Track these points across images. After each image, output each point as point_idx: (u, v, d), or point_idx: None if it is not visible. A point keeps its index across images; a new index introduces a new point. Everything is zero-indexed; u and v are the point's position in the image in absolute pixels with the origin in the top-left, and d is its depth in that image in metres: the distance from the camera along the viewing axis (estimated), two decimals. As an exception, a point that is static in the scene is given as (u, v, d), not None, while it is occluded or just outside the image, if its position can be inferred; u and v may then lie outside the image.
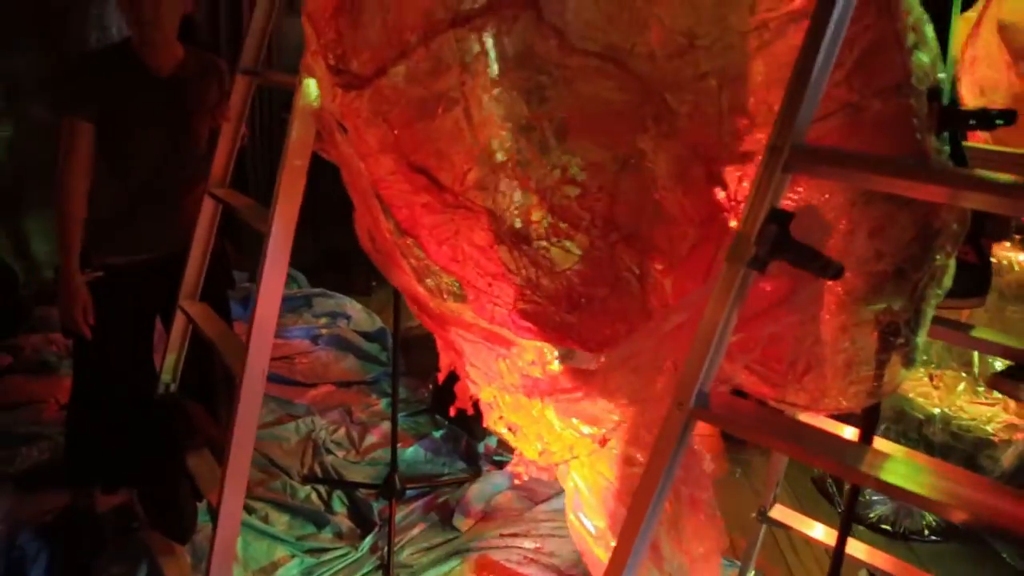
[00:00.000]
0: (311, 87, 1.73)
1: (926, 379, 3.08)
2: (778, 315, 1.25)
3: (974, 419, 2.93)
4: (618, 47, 1.09)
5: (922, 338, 1.32)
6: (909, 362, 1.35)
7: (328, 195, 1.66)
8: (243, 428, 1.86)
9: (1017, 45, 1.87)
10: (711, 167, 1.11)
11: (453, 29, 1.20)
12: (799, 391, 1.36)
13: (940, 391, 3.07)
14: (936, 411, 2.98)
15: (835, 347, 1.32)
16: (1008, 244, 2.84)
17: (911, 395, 3.04)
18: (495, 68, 1.19)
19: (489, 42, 1.18)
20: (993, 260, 2.88)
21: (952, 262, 1.27)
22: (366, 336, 3.98)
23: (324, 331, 4.00)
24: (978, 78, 2.02)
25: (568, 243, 1.25)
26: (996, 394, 2.96)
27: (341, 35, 1.43)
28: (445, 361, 1.81)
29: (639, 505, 1.12)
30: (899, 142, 1.10)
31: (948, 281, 1.28)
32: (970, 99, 2.06)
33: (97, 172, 2.29)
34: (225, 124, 2.21)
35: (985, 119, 1.17)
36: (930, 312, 1.31)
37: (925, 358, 3.09)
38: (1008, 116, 1.16)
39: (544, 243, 1.28)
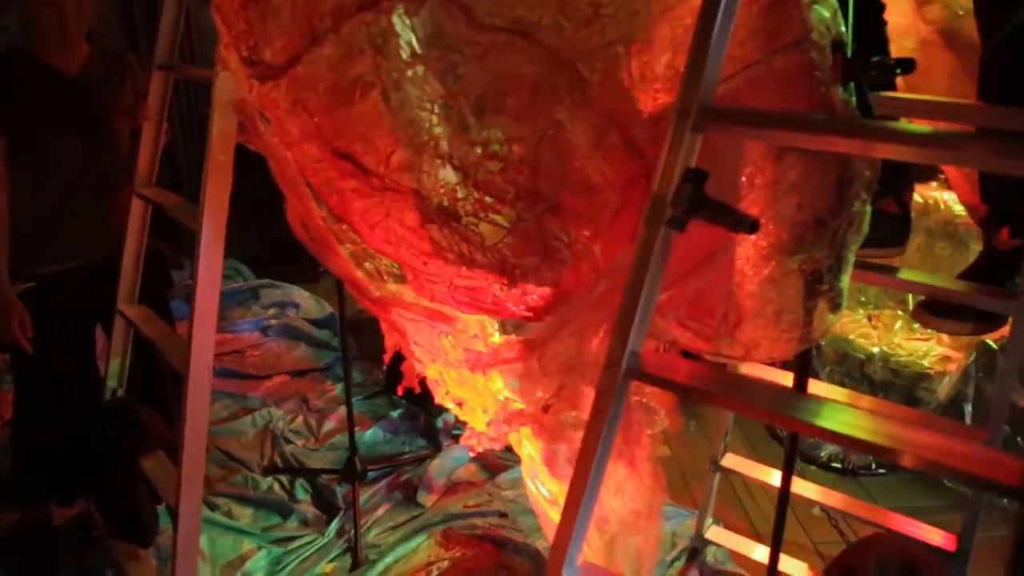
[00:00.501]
0: (228, 80, 1.71)
1: (865, 320, 3.19)
2: (703, 271, 1.29)
3: (911, 355, 3.05)
4: (526, 20, 1.10)
5: (845, 283, 1.37)
6: (835, 307, 1.40)
7: (270, 184, 1.65)
8: (194, 426, 1.85)
9: (920, -8, 1.92)
10: (627, 133, 1.13)
11: (361, 13, 1.19)
12: (732, 344, 1.40)
13: (878, 330, 3.18)
14: (875, 350, 3.09)
15: (763, 298, 1.37)
16: (934, 184, 2.94)
17: (851, 336, 3.15)
18: (407, 49, 1.19)
19: (399, 24, 1.17)
20: (920, 200, 2.98)
21: (868, 208, 1.32)
22: (316, 323, 3.96)
23: (273, 322, 3.97)
24: (888, 25, 2.07)
25: (496, 217, 1.27)
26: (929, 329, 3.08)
27: (252, 26, 1.41)
28: (390, 342, 1.82)
29: (582, 468, 1.15)
30: (806, 96, 1.13)
31: (866, 227, 1.33)
32: (883, 42, 2.10)
33: (15, 183, 2.23)
34: (146, 123, 2.16)
35: (885, 69, 1.21)
36: (851, 258, 1.36)
37: (864, 299, 3.19)
38: (906, 65, 1.20)
39: (472, 219, 1.29)
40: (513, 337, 1.48)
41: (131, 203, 2.23)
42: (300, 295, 4.25)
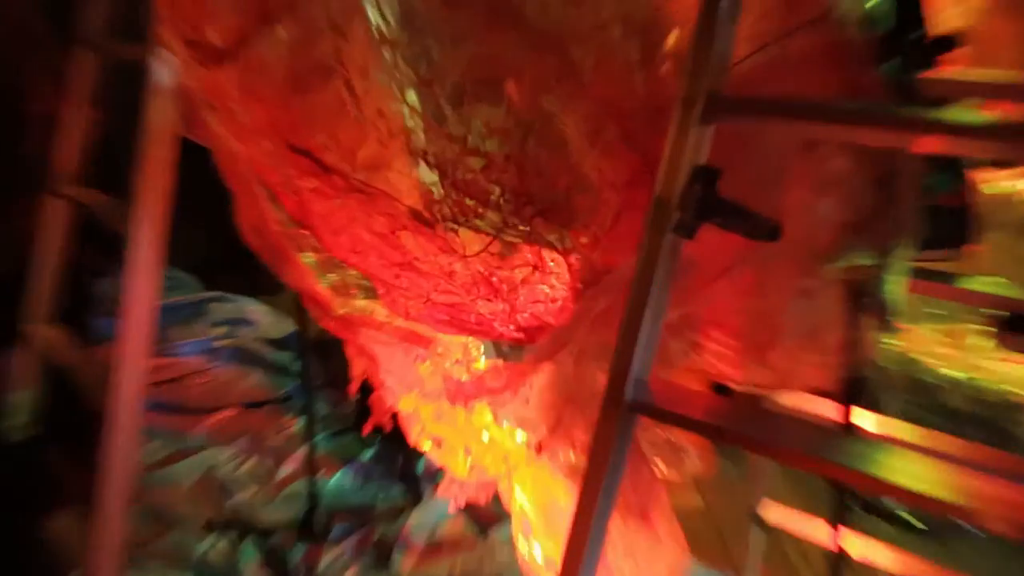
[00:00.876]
0: (167, 62, 1.80)
1: (941, 337, 3.25)
2: (723, 282, 1.37)
3: (999, 380, 3.09)
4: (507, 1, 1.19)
5: (897, 295, 1.46)
6: (885, 324, 1.48)
7: (219, 180, 1.75)
8: (116, 475, 1.91)
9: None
10: (626, 125, 1.22)
11: (320, -10, 1.29)
12: (763, 370, 1.48)
13: (958, 350, 3.24)
14: (955, 375, 3.15)
15: (798, 315, 1.44)
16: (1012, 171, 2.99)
17: (924, 358, 3.20)
18: (374, 31, 1.29)
19: (364, 1, 1.26)
20: (996, 191, 3.05)
21: (919, 205, 1.40)
22: (275, 344, 4.05)
23: (222, 343, 4.05)
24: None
25: (478, 222, 1.35)
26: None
27: (194, 2, 1.51)
28: (358, 370, 1.91)
29: (579, 524, 1.20)
30: (832, 80, 1.22)
31: (918, 227, 1.41)
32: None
33: None
34: (67, 109, 2.25)
35: (924, 48, 1.29)
36: (903, 264, 1.44)
37: (938, 312, 3.25)
38: (947, 44, 1.28)
39: (452, 224, 1.38)
40: (501, 363, 1.57)
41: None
42: (255, 310, 4.33)
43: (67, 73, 2.24)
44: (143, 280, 1.92)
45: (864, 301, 1.46)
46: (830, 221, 1.38)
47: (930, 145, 1.24)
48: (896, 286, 1.45)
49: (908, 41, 1.29)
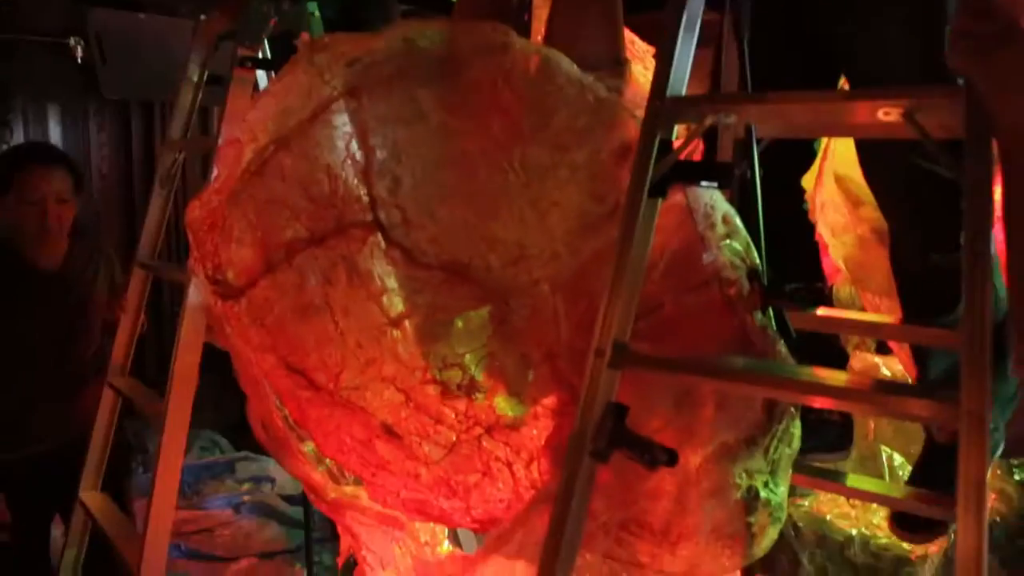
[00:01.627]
0: (199, 284, 1.81)
1: (843, 499, 3.17)
2: (640, 489, 1.33)
3: (889, 537, 3.00)
4: (459, 261, 1.20)
5: (783, 495, 1.41)
6: (775, 520, 1.43)
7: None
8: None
9: (853, 194, 2.07)
10: (555, 364, 1.20)
11: (311, 248, 1.30)
12: (674, 560, 1.41)
13: (857, 509, 3.16)
14: (854, 532, 3.05)
15: (704, 513, 1.39)
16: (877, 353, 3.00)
17: (829, 517, 3.12)
18: (352, 280, 1.29)
19: (343, 259, 1.27)
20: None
21: (797, 422, 1.38)
22: (290, 500, 3.91)
23: (247, 498, 3.92)
24: (829, 221, 2.21)
25: (437, 437, 1.32)
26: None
27: (216, 248, 1.52)
28: (344, 545, 1.82)
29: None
30: (722, 328, 1.22)
31: (797, 442, 1.39)
32: (827, 238, 2.24)
33: None
34: (123, 315, 2.26)
35: (800, 298, 1.30)
36: (786, 471, 1.40)
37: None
38: (819, 296, 1.30)
39: (416, 438, 1.34)
40: (458, 552, 1.49)
41: (101, 392, 2.29)
42: (277, 469, 4.21)
43: (126, 286, 2.26)
44: (168, 474, 1.87)
45: (755, 502, 1.41)
46: (725, 437, 1.35)
47: (790, 397, 1.24)
48: (782, 488, 1.41)
49: (787, 291, 1.31)
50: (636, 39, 2.38)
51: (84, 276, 2.45)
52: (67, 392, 2.44)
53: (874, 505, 3.14)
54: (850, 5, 1.41)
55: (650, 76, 2.25)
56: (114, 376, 2.30)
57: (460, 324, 1.23)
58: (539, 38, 1.74)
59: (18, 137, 4.33)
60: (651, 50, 2.35)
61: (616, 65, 1.46)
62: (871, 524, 3.06)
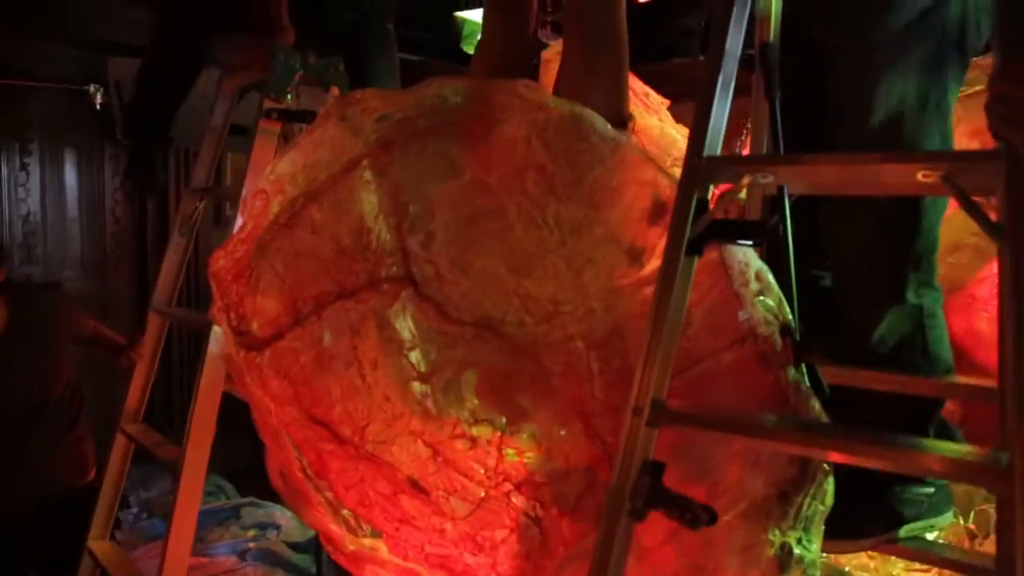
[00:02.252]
0: (219, 333, 1.80)
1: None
2: (672, 547, 1.30)
3: (909, 589, 2.95)
4: (492, 316, 1.19)
5: (815, 553, 1.38)
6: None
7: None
8: None
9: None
10: (588, 421, 1.19)
11: (341, 300, 1.29)
12: (705, 621, 1.38)
13: (876, 561, 3.09)
14: (873, 584, 2.99)
15: (736, 571, 1.37)
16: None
17: (848, 567, 3.06)
18: (383, 334, 1.28)
19: (374, 313, 1.27)
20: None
21: (831, 479, 1.35)
22: (296, 547, 3.84)
23: (252, 545, 3.85)
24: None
25: (464, 492, 1.30)
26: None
27: (241, 298, 1.51)
28: (362, 600, 1.78)
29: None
30: (757, 385, 1.20)
31: (830, 499, 1.36)
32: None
33: None
34: (139, 362, 2.24)
35: (830, 352, 1.30)
36: (819, 527, 1.38)
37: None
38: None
39: (443, 493, 1.32)
40: (483, 610, 1.46)
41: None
42: (283, 515, 4.15)
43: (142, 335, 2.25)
44: (188, 500, 1.84)
45: (788, 560, 1.38)
46: (760, 493, 1.33)
47: (827, 455, 1.22)
48: (815, 547, 1.38)
49: (817, 347, 1.30)
50: (651, 91, 2.40)
51: (34, 333, 2.44)
52: (32, 454, 2.42)
53: (894, 557, 3.09)
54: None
55: (665, 128, 2.27)
56: (127, 422, 2.28)
57: (491, 381, 1.22)
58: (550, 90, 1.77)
59: (35, 180, 4.36)
60: (666, 102, 2.38)
61: (619, 123, 1.48)
62: (890, 575, 3.00)
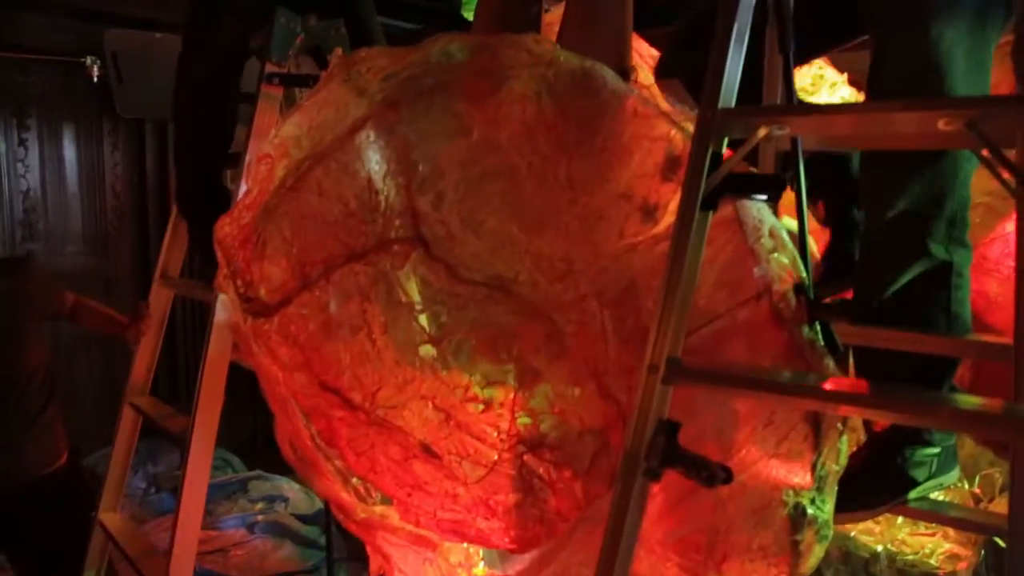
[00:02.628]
0: (225, 302, 1.79)
1: (867, 515, 3.12)
2: (689, 504, 1.30)
3: (916, 552, 2.96)
4: (503, 276, 1.17)
5: (829, 513, 1.38)
6: (821, 538, 1.39)
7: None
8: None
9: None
10: (602, 381, 1.18)
11: (351, 263, 1.28)
12: (719, 578, 1.38)
13: (881, 525, 3.11)
14: (879, 548, 3.00)
15: (749, 532, 1.36)
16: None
17: (853, 533, 3.07)
18: (393, 296, 1.26)
19: (383, 275, 1.25)
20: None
21: (845, 439, 1.35)
22: (304, 519, 3.86)
23: (260, 517, 3.86)
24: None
25: (477, 456, 1.29)
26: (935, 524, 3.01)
27: (248, 264, 1.50)
28: (374, 566, 1.78)
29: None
30: (772, 342, 1.19)
31: (844, 458, 1.35)
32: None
33: None
34: (145, 334, 2.24)
35: (843, 310, 1.28)
36: (832, 487, 1.37)
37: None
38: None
39: (455, 457, 1.31)
40: (494, 573, 1.46)
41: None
42: (290, 488, 4.17)
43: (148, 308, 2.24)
44: (195, 489, 1.84)
45: (802, 520, 1.38)
46: (774, 452, 1.32)
47: (843, 410, 1.21)
48: (828, 506, 1.37)
49: (831, 305, 1.28)
50: (657, 54, 2.36)
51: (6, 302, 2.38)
52: (2, 439, 2.38)
53: (899, 520, 3.09)
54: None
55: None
56: (134, 395, 2.28)
57: (503, 341, 1.21)
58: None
59: (33, 155, 4.33)
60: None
61: (623, 74, 1.45)
62: (896, 540, 3.02)
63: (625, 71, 1.51)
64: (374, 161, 1.27)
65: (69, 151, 4.43)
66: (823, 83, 2.76)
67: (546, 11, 2.09)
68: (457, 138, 1.24)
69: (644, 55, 2.26)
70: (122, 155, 4.53)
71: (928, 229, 1.34)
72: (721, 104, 1.09)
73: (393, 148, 1.26)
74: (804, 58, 1.57)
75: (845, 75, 2.59)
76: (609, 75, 1.21)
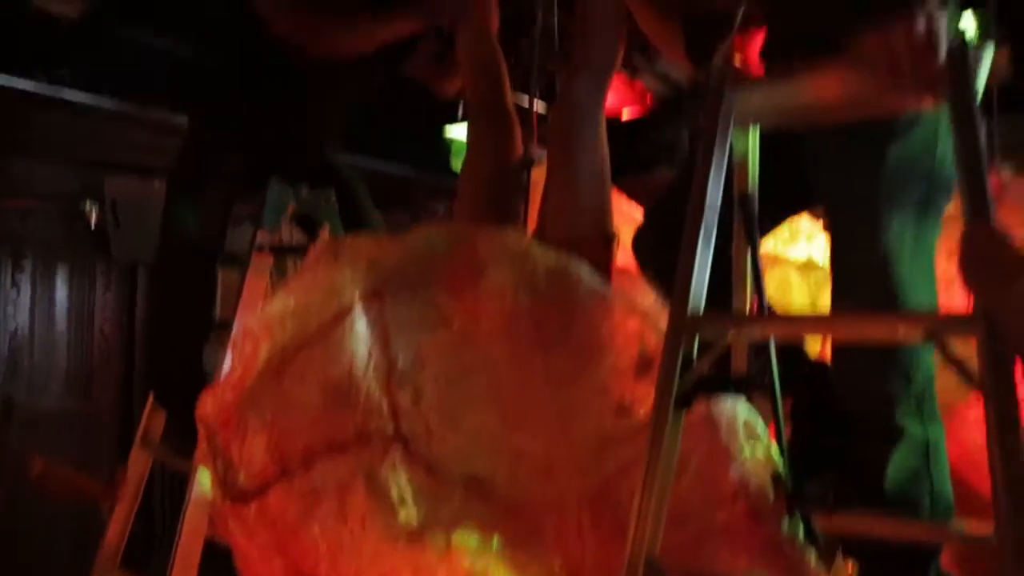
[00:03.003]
0: (204, 475, 1.77)
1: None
2: None
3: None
4: (482, 475, 1.18)
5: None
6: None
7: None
8: None
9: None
10: (578, 577, 1.17)
11: (330, 454, 1.28)
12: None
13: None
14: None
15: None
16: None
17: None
18: (371, 491, 1.26)
19: (363, 469, 1.26)
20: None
21: None
22: None
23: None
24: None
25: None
26: None
27: (229, 445, 1.50)
28: None
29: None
30: (751, 539, 1.19)
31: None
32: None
33: None
34: (119, 502, 2.18)
35: (821, 499, 1.29)
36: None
37: None
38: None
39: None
40: None
41: None
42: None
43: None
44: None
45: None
46: None
47: None
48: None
49: (809, 495, 1.29)
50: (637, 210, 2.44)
51: None
52: None
53: None
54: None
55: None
56: (105, 569, 2.20)
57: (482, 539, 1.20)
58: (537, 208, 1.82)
59: (25, 296, 4.37)
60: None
61: (606, 241, 1.51)
62: None
63: (608, 234, 1.56)
64: (356, 351, 1.30)
65: (61, 292, 4.47)
66: (799, 235, 2.86)
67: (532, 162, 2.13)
68: (438, 330, 1.28)
69: (624, 212, 2.35)
70: (113, 295, 4.58)
71: (903, 409, 1.37)
72: (691, 306, 1.13)
73: (375, 338, 1.30)
74: (768, 229, 1.63)
75: (820, 222, 2.67)
76: (584, 272, 1.26)
